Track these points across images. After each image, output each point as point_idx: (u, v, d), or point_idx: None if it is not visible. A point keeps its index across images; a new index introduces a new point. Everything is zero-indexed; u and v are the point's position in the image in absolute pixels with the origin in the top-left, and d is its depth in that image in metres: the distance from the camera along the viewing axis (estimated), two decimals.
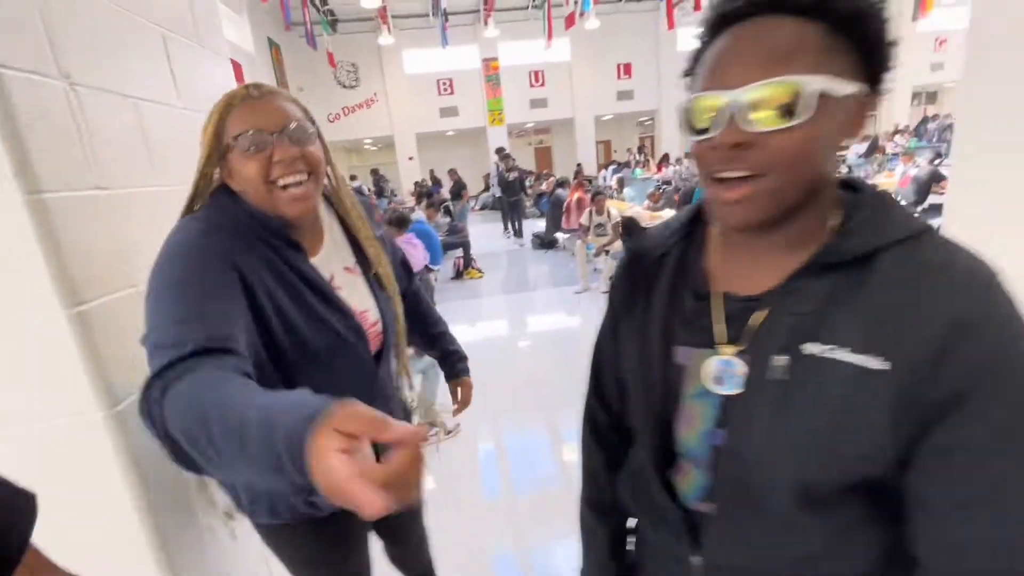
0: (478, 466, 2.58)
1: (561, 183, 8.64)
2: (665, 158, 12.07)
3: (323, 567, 1.04)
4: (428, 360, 2.88)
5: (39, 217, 0.76)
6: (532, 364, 3.85)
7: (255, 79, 0.99)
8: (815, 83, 0.42)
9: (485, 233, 9.90)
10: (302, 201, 0.79)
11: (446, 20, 11.03)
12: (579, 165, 12.11)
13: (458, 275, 6.63)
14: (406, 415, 1.14)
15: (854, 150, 11.50)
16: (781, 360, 0.48)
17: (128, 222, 0.96)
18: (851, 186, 0.54)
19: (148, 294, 0.69)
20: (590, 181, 11.27)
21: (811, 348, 0.47)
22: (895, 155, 8.92)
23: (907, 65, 14.31)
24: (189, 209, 0.84)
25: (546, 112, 14.77)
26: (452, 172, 9.92)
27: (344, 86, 13.65)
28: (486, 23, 11.62)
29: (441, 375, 1.30)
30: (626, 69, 14.51)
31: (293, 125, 0.78)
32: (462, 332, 4.68)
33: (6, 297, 0.77)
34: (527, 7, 13.39)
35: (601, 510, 0.74)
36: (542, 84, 14.53)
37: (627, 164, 13.20)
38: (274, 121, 0.77)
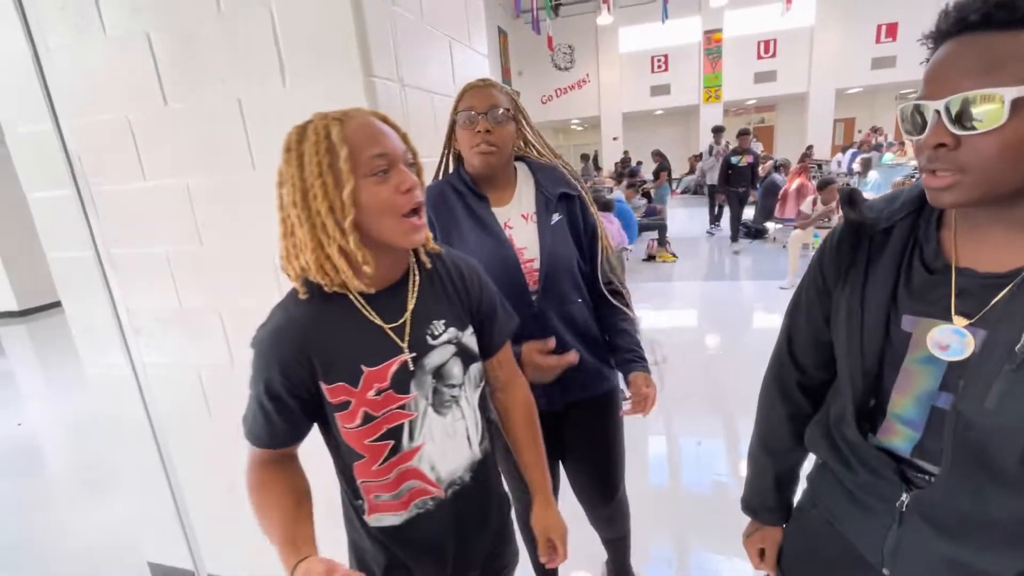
0: (646, 451, 2.51)
1: (778, 166, 7.74)
2: None
3: None
4: None
5: None
6: (719, 359, 3.68)
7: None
8: (1007, 93, 0.48)
9: (685, 217, 9.49)
10: (482, 158, 1.12)
11: None
12: (810, 147, 10.60)
13: (650, 257, 6.59)
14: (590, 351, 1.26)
15: None
16: None
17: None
18: None
19: None
20: (819, 166, 9.79)
21: None
22: None
23: None
24: (438, 170, 1.25)
25: (773, 87, 13.18)
26: (656, 154, 9.68)
27: (559, 68, 14.29)
28: None
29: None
30: (889, 30, 11.96)
31: (491, 110, 1.11)
32: (646, 315, 4.61)
33: None
34: None
35: (772, 451, 0.87)
36: (772, 55, 12.97)
37: (878, 147, 11.00)
38: (482, 104, 1.10)
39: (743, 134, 6.91)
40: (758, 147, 8.28)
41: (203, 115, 1.24)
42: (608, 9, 11.19)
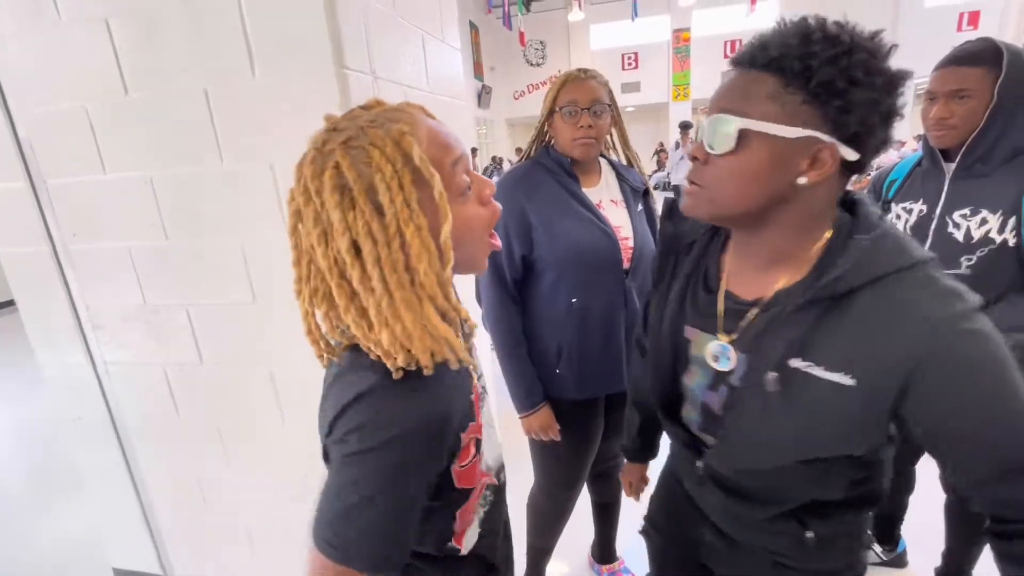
0: None
1: None
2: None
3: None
4: None
5: None
6: None
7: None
8: (736, 122, 0.55)
9: (656, 212, 9.64)
10: (583, 149, 1.20)
11: None
12: None
13: None
14: None
15: None
16: (773, 375, 0.61)
17: None
18: (853, 204, 0.63)
19: None
20: None
21: (795, 363, 0.59)
22: None
23: None
24: (527, 152, 1.33)
25: None
26: None
27: (531, 64, 14.29)
28: None
29: None
30: None
31: (595, 104, 1.17)
32: None
33: None
34: None
35: (637, 406, 1.03)
36: None
37: None
38: (586, 99, 1.17)
39: None
40: None
41: (167, 105, 1.20)
42: (579, 6, 11.25)
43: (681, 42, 13.25)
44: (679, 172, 7.75)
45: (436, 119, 0.58)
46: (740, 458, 0.70)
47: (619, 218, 1.27)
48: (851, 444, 0.60)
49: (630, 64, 13.90)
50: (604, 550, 1.73)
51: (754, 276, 0.66)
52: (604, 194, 1.29)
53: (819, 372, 0.57)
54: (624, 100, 14.13)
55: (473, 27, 12.51)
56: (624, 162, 1.41)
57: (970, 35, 10.82)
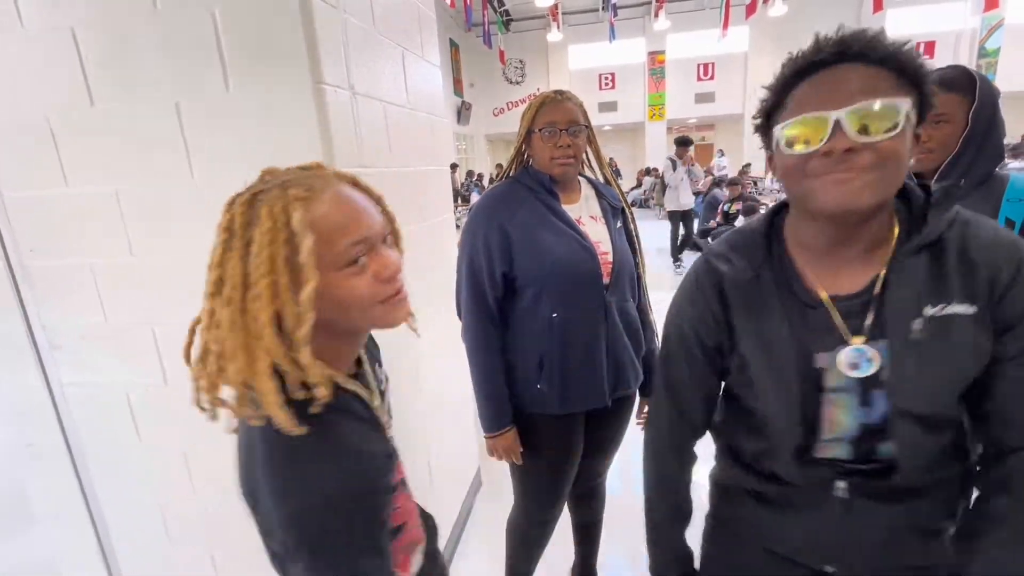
0: None
1: (719, 182, 8.12)
2: None
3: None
4: None
5: None
6: None
7: None
8: (905, 105, 0.58)
9: None
10: (562, 168, 1.24)
11: (615, 15, 11.05)
12: (747, 165, 11.23)
13: None
14: (635, 348, 1.35)
15: None
16: (918, 323, 0.62)
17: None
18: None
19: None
20: (755, 183, 10.41)
21: (930, 311, 0.62)
22: None
23: None
24: (506, 171, 1.36)
25: (712, 107, 13.94)
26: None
27: (511, 82, 14.49)
28: (657, 15, 11.35)
29: None
30: None
31: (572, 126, 1.21)
32: None
33: None
34: None
35: (684, 514, 0.90)
36: (711, 77, 13.73)
37: None
38: (564, 120, 1.21)
39: (732, 184, 6.49)
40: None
41: (136, 118, 1.16)
42: (558, 27, 11.49)
43: (656, 64, 13.63)
44: (685, 192, 6.10)
45: (362, 189, 0.62)
46: (912, 418, 0.66)
47: (598, 233, 1.29)
48: (978, 366, 0.63)
49: (607, 84, 14.21)
50: (585, 572, 1.69)
51: (851, 271, 0.67)
52: (584, 210, 1.31)
53: (952, 310, 0.61)
54: (602, 119, 14.42)
55: (453, 45, 12.64)
56: (601, 180, 1.42)
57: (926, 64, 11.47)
